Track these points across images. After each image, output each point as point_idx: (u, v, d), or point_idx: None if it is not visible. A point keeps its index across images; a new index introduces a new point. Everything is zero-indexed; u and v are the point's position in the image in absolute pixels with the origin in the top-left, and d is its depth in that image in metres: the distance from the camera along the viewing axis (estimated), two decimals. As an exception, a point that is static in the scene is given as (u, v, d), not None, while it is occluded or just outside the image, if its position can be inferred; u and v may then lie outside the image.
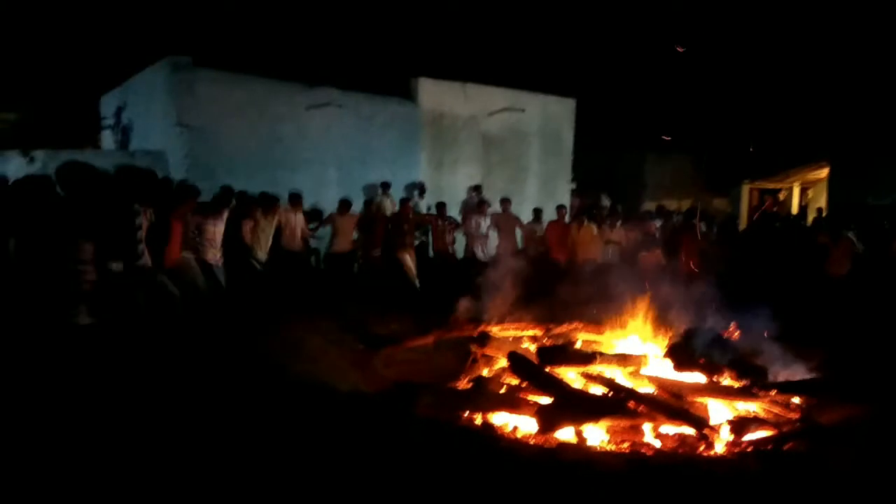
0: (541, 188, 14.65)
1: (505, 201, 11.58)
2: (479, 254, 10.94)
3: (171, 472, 3.48)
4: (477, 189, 13.15)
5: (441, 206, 11.31)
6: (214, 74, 10.84)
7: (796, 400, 5.70)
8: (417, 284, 10.02)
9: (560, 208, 11.78)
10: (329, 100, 11.86)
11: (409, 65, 14.38)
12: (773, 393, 5.63)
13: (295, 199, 9.70)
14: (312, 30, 17.54)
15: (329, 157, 11.95)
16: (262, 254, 8.76)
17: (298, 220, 9.64)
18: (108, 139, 14.05)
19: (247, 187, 9.24)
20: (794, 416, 5.43)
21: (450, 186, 13.28)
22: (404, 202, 10.74)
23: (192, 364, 4.97)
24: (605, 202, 15.22)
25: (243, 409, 4.48)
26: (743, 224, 17.44)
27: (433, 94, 13.22)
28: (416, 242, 10.95)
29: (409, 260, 10.08)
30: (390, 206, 11.78)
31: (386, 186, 11.94)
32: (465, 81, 13.66)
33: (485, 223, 11.06)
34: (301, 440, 4.11)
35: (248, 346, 5.84)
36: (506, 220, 11.31)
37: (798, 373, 6.04)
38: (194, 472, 3.54)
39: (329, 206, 10.82)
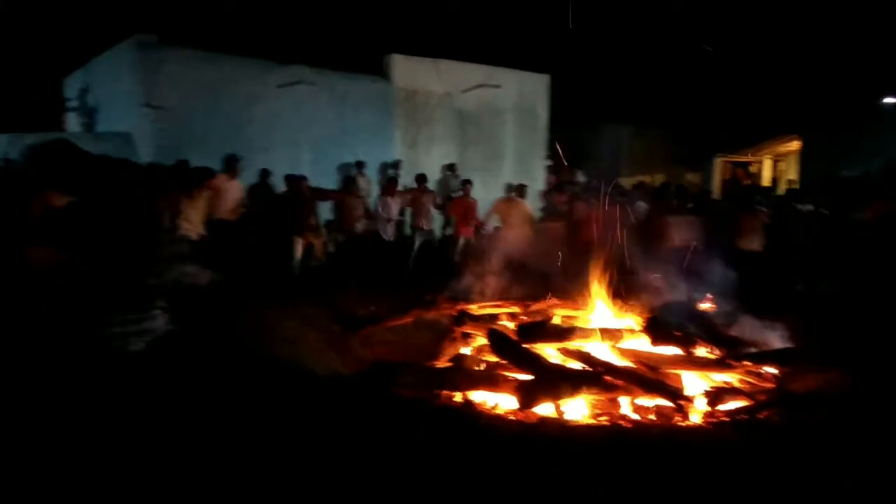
0: (516, 165, 14.62)
1: (466, 183, 11.26)
2: (385, 235, 10.61)
3: (146, 459, 3.44)
4: (451, 167, 13.09)
5: (421, 179, 11.13)
6: (182, 53, 10.59)
7: (770, 369, 5.80)
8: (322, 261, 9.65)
9: (465, 183, 11.25)
10: (301, 78, 11.67)
11: (382, 41, 14.20)
12: (747, 363, 5.73)
13: (230, 164, 9.06)
14: (282, 6, 17.21)
15: (302, 136, 11.78)
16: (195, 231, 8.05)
17: (234, 188, 8.98)
18: (73, 121, 13.69)
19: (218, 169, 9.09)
20: (769, 385, 5.53)
21: (425, 165, 13.18)
22: (295, 180, 9.76)
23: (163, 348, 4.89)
24: (581, 178, 15.26)
25: (219, 393, 4.43)
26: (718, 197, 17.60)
27: (406, 71, 13.07)
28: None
29: (316, 241, 9.67)
30: (365, 185, 11.69)
31: (361, 165, 11.83)
32: (438, 58, 13.52)
33: (394, 205, 10.68)
34: (279, 422, 4.08)
35: (219, 330, 5.76)
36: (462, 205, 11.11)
37: (771, 342, 6.15)
38: (169, 455, 3.50)
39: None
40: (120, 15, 14.62)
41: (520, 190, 10.79)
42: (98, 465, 2.90)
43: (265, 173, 9.97)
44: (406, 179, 12.30)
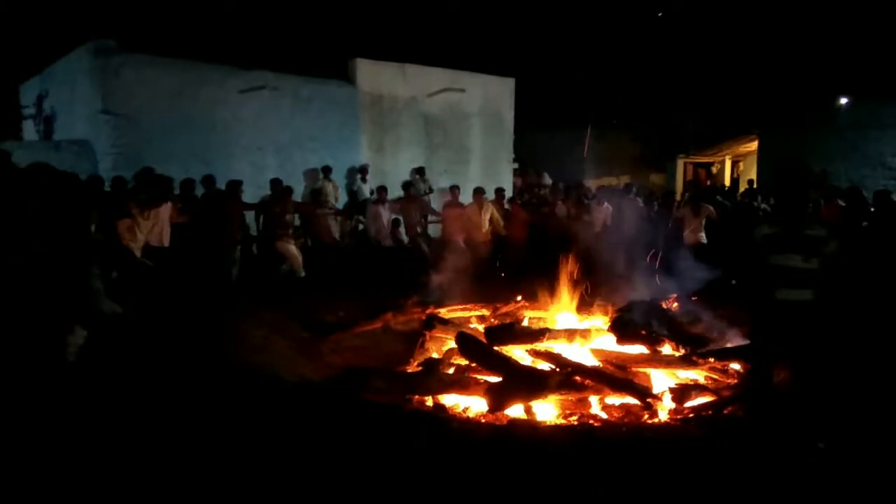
0: (483, 169, 14.68)
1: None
2: (383, 242, 10.75)
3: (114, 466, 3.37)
4: (420, 171, 13.09)
5: (381, 190, 11.14)
6: (141, 59, 10.38)
7: (734, 365, 5.92)
8: (302, 273, 9.34)
9: (453, 188, 11.26)
10: (264, 83, 11.54)
11: (346, 45, 14.15)
12: (711, 360, 5.84)
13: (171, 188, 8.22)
14: (244, 10, 17.01)
15: (266, 142, 11.65)
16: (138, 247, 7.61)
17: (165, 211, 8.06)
18: (30, 129, 13.34)
19: (181, 177, 8.95)
20: (733, 381, 5.65)
21: (392, 169, 13.16)
22: (282, 191, 9.68)
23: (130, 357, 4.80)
24: (547, 180, 15.40)
25: (185, 402, 4.36)
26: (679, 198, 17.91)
27: (371, 75, 13.03)
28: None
29: (293, 249, 9.40)
30: (333, 190, 11.62)
31: (327, 171, 11.76)
32: (403, 62, 13.51)
33: (384, 213, 10.71)
34: (248, 429, 4.03)
35: (186, 339, 5.68)
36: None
37: (735, 340, 6.27)
38: (140, 462, 3.43)
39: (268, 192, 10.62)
40: (77, 20, 14.31)
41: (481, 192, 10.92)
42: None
43: (209, 181, 9.52)
44: (372, 184, 12.29)
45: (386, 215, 10.81)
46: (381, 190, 11.08)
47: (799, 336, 4.12)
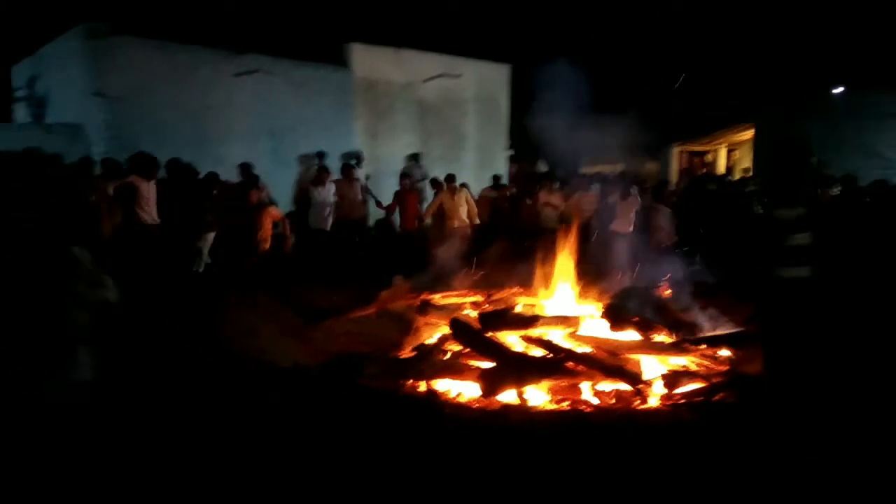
0: (478, 155, 14.66)
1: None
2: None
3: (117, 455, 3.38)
4: (415, 157, 13.05)
5: (322, 171, 10.59)
6: (134, 41, 10.30)
7: (725, 352, 5.97)
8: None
9: (402, 177, 11.25)
10: (258, 66, 11.48)
11: (341, 30, 14.04)
12: (702, 347, 5.89)
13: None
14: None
15: (260, 126, 11.60)
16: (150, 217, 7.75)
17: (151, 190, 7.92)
18: (21, 112, 13.23)
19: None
20: (723, 367, 5.69)
21: (387, 156, 13.13)
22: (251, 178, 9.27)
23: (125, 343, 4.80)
24: (543, 167, 15.38)
25: (179, 387, 4.38)
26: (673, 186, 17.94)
27: (366, 60, 12.96)
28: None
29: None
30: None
31: (322, 156, 11.71)
32: (398, 47, 13.43)
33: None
34: (242, 414, 4.05)
35: (178, 325, 5.68)
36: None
37: (725, 326, 6.32)
38: (137, 453, 3.45)
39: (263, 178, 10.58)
40: (70, 2, 14.14)
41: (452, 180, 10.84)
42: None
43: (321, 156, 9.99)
44: (368, 170, 12.25)
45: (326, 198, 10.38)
46: (323, 171, 10.55)
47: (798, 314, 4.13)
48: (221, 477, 3.41)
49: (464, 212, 10.55)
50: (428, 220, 10.90)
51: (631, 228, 9.69)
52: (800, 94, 16.50)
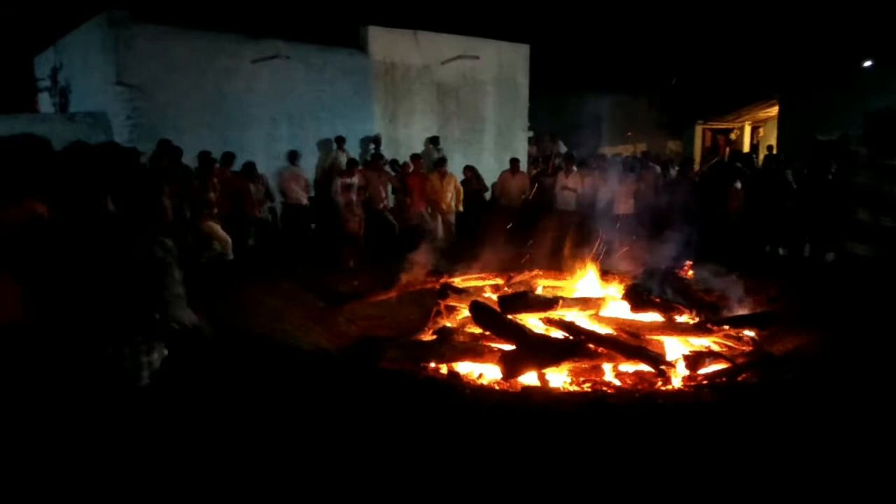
0: (497, 137, 14.56)
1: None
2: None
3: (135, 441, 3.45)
4: (434, 140, 13.00)
5: (292, 154, 10.69)
6: (154, 29, 10.34)
7: (749, 332, 5.91)
8: (231, 256, 8.74)
9: (414, 158, 11.24)
10: (276, 52, 11.47)
11: (358, 13, 13.97)
12: (726, 327, 5.83)
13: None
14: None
15: (279, 111, 11.63)
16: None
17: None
18: (45, 101, 13.40)
19: (195, 148, 8.98)
20: (747, 348, 5.64)
21: (406, 139, 13.10)
22: (205, 164, 8.94)
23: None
24: (562, 148, 15.25)
25: (206, 370, 4.44)
26: (696, 165, 17.70)
27: (384, 43, 12.89)
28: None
29: (220, 230, 8.72)
30: (345, 161, 11.59)
31: (341, 141, 11.72)
32: (416, 29, 13.34)
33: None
34: (268, 398, 4.11)
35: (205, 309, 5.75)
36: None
37: (750, 306, 6.26)
38: (160, 435, 3.51)
39: (282, 163, 10.66)
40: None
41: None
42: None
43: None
44: (387, 154, 12.23)
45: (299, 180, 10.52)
46: (293, 154, 10.60)
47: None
48: (249, 457, 3.47)
49: (450, 196, 10.82)
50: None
51: (632, 209, 9.88)
52: (826, 68, 16.12)
